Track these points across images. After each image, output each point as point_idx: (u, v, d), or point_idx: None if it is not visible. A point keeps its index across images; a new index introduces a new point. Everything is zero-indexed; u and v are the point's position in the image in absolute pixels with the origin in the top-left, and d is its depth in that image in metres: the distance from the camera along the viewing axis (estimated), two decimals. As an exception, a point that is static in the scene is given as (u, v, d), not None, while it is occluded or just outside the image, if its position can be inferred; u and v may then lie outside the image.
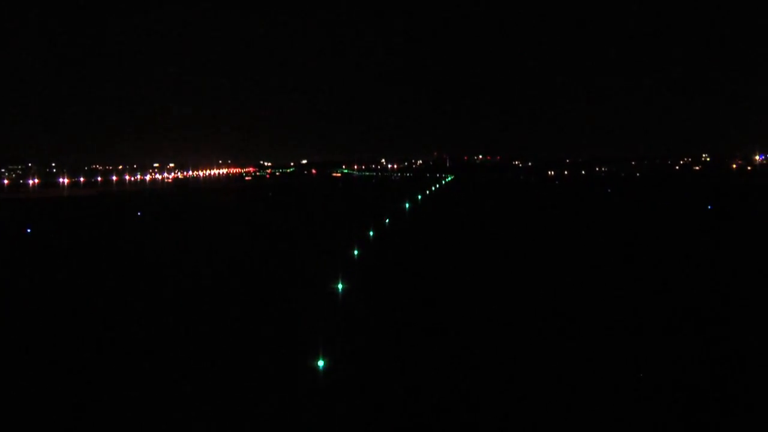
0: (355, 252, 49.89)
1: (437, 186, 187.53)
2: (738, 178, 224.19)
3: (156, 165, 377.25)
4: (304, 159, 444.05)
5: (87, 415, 19.94)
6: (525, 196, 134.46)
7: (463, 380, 22.05)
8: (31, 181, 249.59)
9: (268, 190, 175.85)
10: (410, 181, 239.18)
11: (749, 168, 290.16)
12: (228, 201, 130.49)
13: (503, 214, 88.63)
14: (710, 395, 20.49)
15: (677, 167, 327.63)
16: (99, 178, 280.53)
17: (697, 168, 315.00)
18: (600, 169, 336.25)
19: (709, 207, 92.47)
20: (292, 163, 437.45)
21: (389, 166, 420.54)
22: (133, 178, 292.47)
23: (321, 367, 23.28)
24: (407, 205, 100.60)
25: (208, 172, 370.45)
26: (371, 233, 62.23)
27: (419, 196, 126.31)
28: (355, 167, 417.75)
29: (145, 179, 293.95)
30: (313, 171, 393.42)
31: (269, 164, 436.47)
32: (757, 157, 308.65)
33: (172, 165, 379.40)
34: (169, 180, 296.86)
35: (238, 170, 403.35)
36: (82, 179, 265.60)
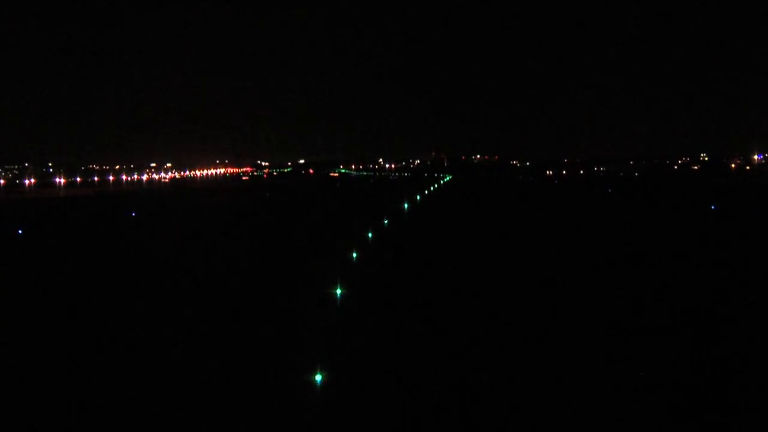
0: (354, 254, 48.63)
1: (436, 186, 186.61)
2: (738, 177, 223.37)
3: (153, 165, 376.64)
4: (301, 159, 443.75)
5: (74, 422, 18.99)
6: (525, 196, 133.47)
7: (462, 386, 21.45)
8: (27, 181, 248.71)
9: (265, 191, 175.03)
10: (408, 181, 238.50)
11: (748, 167, 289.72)
12: (224, 201, 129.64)
13: (505, 214, 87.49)
14: (710, 395, 20.45)
15: (676, 167, 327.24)
16: (96, 178, 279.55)
17: (695, 168, 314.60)
18: (598, 168, 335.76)
19: (713, 207, 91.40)
20: (289, 163, 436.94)
21: (387, 166, 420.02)
22: (129, 178, 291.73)
23: (317, 377, 22.14)
24: (406, 206, 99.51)
25: (205, 172, 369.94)
26: (370, 234, 61.02)
27: (418, 197, 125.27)
28: (353, 167, 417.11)
29: (142, 179, 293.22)
30: (311, 171, 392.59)
31: (267, 164, 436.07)
32: (755, 157, 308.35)
33: (169, 165, 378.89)
34: (166, 180, 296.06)
35: (235, 170, 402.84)
36: (78, 179, 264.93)
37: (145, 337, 27.96)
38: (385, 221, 73.85)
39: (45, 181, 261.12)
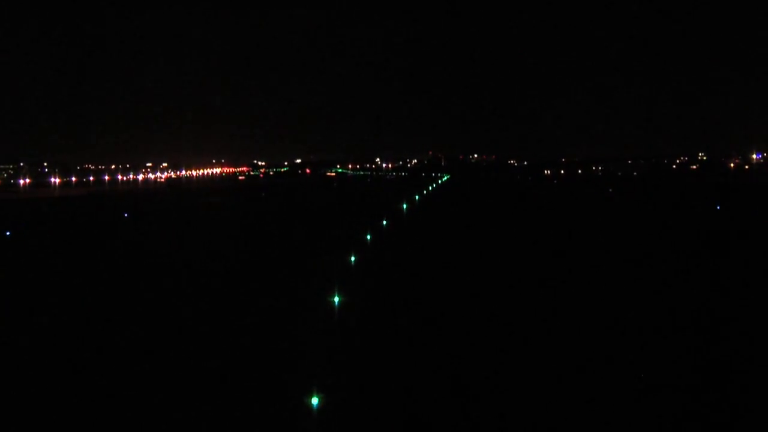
0: (352, 258, 46.82)
1: (434, 185, 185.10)
2: (738, 177, 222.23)
3: (149, 164, 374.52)
4: (298, 158, 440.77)
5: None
6: (526, 197, 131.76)
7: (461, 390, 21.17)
8: (21, 181, 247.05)
9: (261, 190, 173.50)
10: (406, 181, 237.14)
11: (747, 167, 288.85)
12: (218, 202, 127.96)
13: (507, 215, 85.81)
14: (710, 395, 20.44)
15: (674, 166, 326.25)
16: (91, 178, 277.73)
17: (693, 167, 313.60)
18: (596, 168, 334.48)
19: (718, 207, 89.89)
20: (286, 163, 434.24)
21: (384, 165, 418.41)
22: (125, 178, 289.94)
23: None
24: (404, 206, 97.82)
25: (201, 171, 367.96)
26: (368, 236, 59.27)
27: (416, 197, 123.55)
28: (350, 167, 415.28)
29: (138, 179, 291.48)
30: (308, 170, 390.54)
31: (263, 163, 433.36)
32: (754, 156, 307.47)
33: (165, 164, 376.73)
34: (162, 180, 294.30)
35: (231, 169, 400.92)
36: (74, 179, 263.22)
37: (126, 337, 26.63)
38: (384, 222, 72.16)
39: (40, 180, 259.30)
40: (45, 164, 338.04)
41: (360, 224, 67.70)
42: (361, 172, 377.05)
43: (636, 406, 19.70)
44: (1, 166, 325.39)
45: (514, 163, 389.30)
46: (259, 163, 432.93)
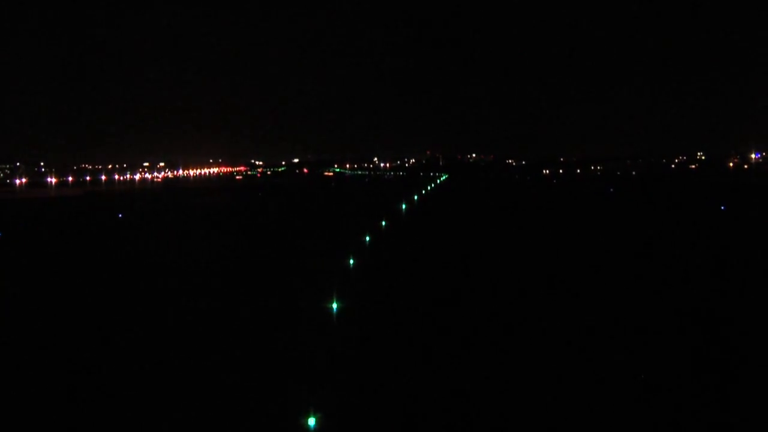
0: (351, 261, 45.38)
1: (433, 185, 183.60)
2: (738, 176, 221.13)
3: (146, 164, 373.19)
4: (295, 158, 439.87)
5: None
6: (527, 197, 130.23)
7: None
8: (18, 181, 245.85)
9: (258, 190, 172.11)
10: (404, 181, 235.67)
11: (746, 166, 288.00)
12: (214, 202, 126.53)
13: (510, 216, 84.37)
14: (711, 396, 20.29)
15: (673, 166, 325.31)
16: (88, 178, 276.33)
17: (693, 167, 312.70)
18: (595, 168, 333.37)
19: (723, 207, 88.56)
20: (283, 162, 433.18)
21: (382, 165, 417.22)
22: (122, 178, 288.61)
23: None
24: (404, 206, 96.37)
25: (198, 171, 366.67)
26: (367, 238, 57.85)
27: (415, 196, 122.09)
28: (348, 166, 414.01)
29: (135, 179, 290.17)
30: (305, 170, 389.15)
31: (260, 163, 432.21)
32: (753, 156, 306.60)
33: (162, 164, 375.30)
34: (159, 179, 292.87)
35: (229, 169, 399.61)
36: (70, 179, 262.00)
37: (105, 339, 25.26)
38: (383, 223, 70.74)
39: (36, 180, 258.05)
40: (42, 164, 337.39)
41: (359, 225, 66.39)
42: (359, 172, 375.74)
43: (636, 406, 19.55)
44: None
45: (512, 162, 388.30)
46: (257, 162, 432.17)
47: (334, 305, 31.85)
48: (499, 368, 23.17)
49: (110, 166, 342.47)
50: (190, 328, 29.38)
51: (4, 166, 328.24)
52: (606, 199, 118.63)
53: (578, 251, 50.70)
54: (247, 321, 30.27)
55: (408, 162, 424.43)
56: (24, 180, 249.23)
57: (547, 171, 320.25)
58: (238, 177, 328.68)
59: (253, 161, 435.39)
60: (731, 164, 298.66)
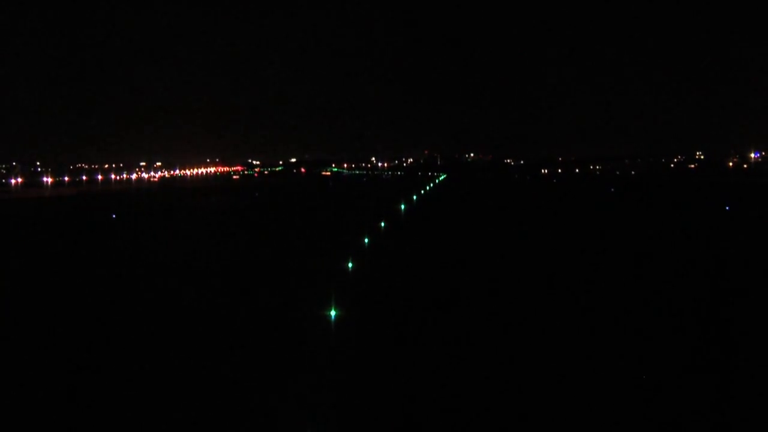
0: (349, 264, 43.67)
1: (432, 185, 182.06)
2: (738, 176, 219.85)
3: (143, 164, 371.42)
4: (293, 157, 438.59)
5: None
6: (529, 197, 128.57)
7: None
8: (13, 181, 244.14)
9: (255, 190, 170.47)
10: (402, 180, 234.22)
11: (745, 166, 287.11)
12: (210, 202, 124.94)
13: (513, 217, 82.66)
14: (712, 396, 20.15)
15: (672, 165, 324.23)
16: (84, 177, 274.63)
17: (692, 166, 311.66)
18: (594, 167, 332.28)
19: (728, 208, 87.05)
20: (281, 162, 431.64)
21: (380, 164, 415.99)
22: (118, 177, 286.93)
23: None
24: (403, 206, 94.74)
25: (195, 171, 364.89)
26: (366, 240, 56.19)
27: (414, 196, 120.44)
28: (345, 166, 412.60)
29: (131, 178, 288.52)
30: (302, 170, 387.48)
31: (258, 163, 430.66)
32: (752, 155, 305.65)
33: (158, 164, 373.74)
34: (155, 179, 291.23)
35: (226, 169, 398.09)
36: (66, 178, 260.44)
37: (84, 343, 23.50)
38: (382, 224, 69.12)
39: (32, 180, 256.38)
40: (38, 163, 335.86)
41: (357, 226, 64.95)
42: (357, 172, 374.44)
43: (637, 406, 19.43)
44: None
45: (510, 162, 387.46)
46: (254, 162, 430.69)
47: (333, 309, 30.24)
48: (498, 370, 22.72)
49: (107, 166, 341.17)
50: (174, 337, 27.62)
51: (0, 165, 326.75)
52: (609, 198, 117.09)
53: (589, 254, 49.05)
54: (240, 325, 28.58)
55: (406, 161, 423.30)
56: (20, 180, 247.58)
57: (546, 171, 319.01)
58: (235, 177, 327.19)
59: (250, 161, 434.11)
60: (731, 164, 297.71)
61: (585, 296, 34.24)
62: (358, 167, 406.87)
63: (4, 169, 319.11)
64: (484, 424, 18.72)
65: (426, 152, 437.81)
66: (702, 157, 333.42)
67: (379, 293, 35.39)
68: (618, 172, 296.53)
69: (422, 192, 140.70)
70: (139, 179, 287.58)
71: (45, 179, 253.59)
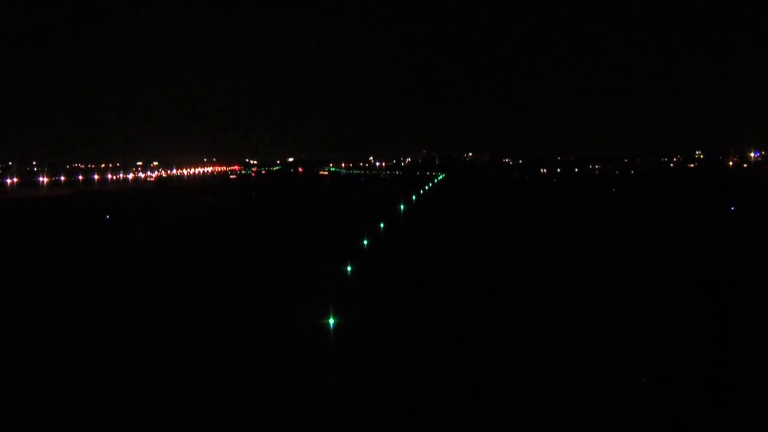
0: (348, 268, 41.82)
1: (431, 184, 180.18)
2: (739, 175, 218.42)
3: (139, 163, 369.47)
4: (290, 157, 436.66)
5: None
6: (530, 197, 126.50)
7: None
8: (9, 180, 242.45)
9: (251, 190, 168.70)
10: (401, 180, 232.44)
11: (745, 165, 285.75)
12: (207, 202, 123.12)
13: (516, 218, 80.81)
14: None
15: (672, 165, 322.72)
16: (80, 177, 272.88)
17: (692, 165, 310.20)
18: (593, 167, 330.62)
19: (732, 208, 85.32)
20: (278, 162, 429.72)
21: (377, 164, 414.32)
22: (114, 177, 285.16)
23: None
24: (402, 207, 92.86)
25: (192, 170, 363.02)
26: (365, 242, 54.38)
27: (413, 196, 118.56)
28: (343, 165, 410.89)
29: (128, 178, 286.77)
30: (300, 169, 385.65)
31: (255, 162, 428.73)
32: (752, 154, 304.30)
33: (155, 163, 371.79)
34: (152, 179, 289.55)
35: (223, 168, 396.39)
36: (62, 178, 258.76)
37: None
38: (381, 225, 67.27)
39: (28, 180, 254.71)
40: (34, 163, 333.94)
41: (355, 227, 63.33)
42: (355, 171, 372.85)
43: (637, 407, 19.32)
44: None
45: (509, 161, 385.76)
46: (251, 162, 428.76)
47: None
48: (498, 372, 22.24)
49: (103, 166, 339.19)
50: (163, 344, 25.78)
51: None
52: (613, 199, 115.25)
53: (599, 257, 47.34)
54: (234, 330, 26.75)
55: (404, 161, 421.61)
56: (15, 180, 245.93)
57: (545, 170, 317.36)
58: (232, 176, 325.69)
59: (247, 160, 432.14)
60: (731, 163, 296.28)
61: (588, 297, 32.73)
62: (355, 167, 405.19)
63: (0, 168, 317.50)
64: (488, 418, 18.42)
65: (424, 152, 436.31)
66: (701, 156, 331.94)
67: (379, 296, 33.75)
68: (617, 172, 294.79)
69: (421, 192, 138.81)
70: (136, 179, 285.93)
71: (41, 179, 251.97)
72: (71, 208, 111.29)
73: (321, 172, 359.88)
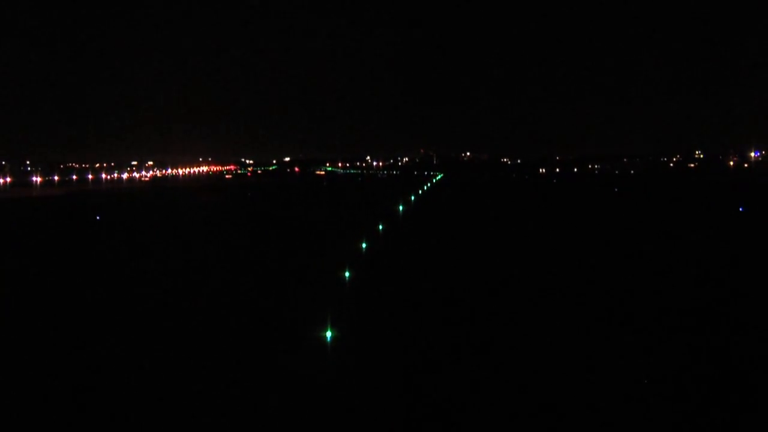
0: (346, 273, 39.25)
1: (429, 185, 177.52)
2: (740, 175, 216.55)
3: (134, 163, 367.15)
4: (286, 156, 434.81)
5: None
6: (531, 198, 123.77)
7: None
8: (1, 180, 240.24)
9: (247, 190, 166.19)
10: (398, 180, 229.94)
11: (746, 165, 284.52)
12: (202, 202, 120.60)
13: (521, 221, 78.13)
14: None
15: (671, 165, 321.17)
16: (74, 177, 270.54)
17: (692, 165, 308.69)
18: (592, 166, 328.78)
19: (741, 209, 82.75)
20: (274, 161, 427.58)
21: (374, 163, 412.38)
22: (109, 177, 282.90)
23: None
24: (401, 208, 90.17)
25: (188, 170, 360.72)
26: (364, 245, 51.81)
27: (412, 197, 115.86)
28: (340, 165, 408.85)
29: (122, 178, 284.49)
30: (296, 169, 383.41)
31: (251, 162, 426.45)
32: (752, 154, 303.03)
33: (150, 163, 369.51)
34: (147, 179, 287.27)
35: (219, 168, 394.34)
36: (56, 178, 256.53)
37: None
38: (380, 226, 64.61)
39: (21, 179, 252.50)
40: (27, 162, 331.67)
41: (354, 228, 61.11)
42: (352, 171, 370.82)
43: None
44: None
45: (507, 161, 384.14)
46: (247, 161, 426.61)
47: (329, 333, 25.83)
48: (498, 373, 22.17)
49: (98, 165, 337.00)
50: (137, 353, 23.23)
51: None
52: (618, 200, 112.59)
53: (611, 262, 44.83)
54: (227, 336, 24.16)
55: (401, 161, 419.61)
56: (8, 179, 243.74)
57: (543, 170, 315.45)
58: (228, 176, 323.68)
59: (243, 160, 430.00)
60: (731, 163, 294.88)
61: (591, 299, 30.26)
62: (352, 166, 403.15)
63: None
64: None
65: (422, 151, 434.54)
66: (701, 156, 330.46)
67: (378, 301, 31.29)
68: (617, 172, 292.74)
69: (420, 192, 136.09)
70: (130, 179, 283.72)
71: (34, 178, 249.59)
72: (63, 208, 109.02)
73: (317, 172, 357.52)
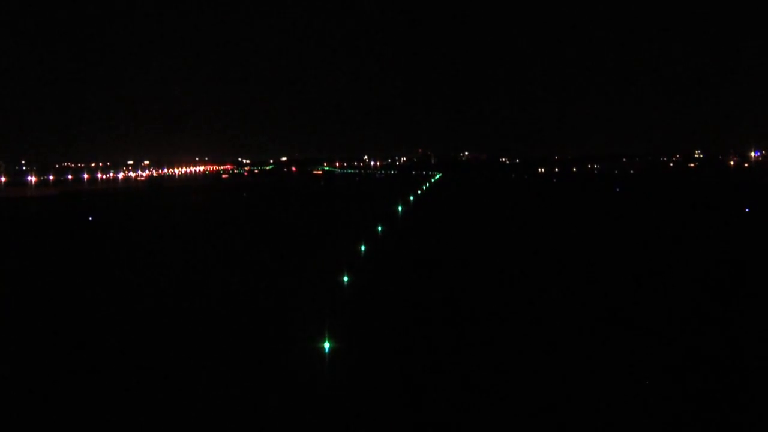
0: (345, 278, 37.31)
1: (428, 184, 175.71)
2: (740, 175, 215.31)
3: (130, 162, 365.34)
4: (283, 156, 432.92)
5: None
6: (532, 198, 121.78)
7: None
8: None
9: (243, 190, 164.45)
10: (396, 180, 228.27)
11: (746, 165, 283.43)
12: (196, 203, 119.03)
13: (524, 223, 76.17)
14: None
15: (671, 164, 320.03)
16: (69, 177, 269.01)
17: (692, 165, 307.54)
18: (591, 166, 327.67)
19: (747, 210, 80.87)
20: (271, 161, 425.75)
21: (372, 163, 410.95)
22: (104, 177, 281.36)
23: None
24: (400, 208, 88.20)
25: (184, 169, 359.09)
26: (362, 247, 49.86)
27: (411, 197, 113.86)
28: (337, 164, 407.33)
29: (118, 177, 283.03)
30: (293, 169, 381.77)
31: (248, 161, 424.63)
32: (752, 154, 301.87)
33: (146, 162, 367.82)
34: (142, 178, 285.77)
35: (215, 168, 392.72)
36: (51, 177, 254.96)
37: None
38: (379, 227, 62.63)
39: (15, 179, 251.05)
40: (23, 162, 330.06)
41: (353, 229, 59.52)
42: (349, 171, 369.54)
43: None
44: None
45: (505, 161, 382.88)
46: (244, 161, 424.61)
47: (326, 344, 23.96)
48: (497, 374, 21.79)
49: (93, 165, 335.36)
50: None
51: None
52: (621, 200, 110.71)
53: (624, 267, 43.03)
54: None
55: (399, 160, 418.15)
56: (3, 179, 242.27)
57: (542, 170, 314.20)
58: (224, 176, 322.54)
59: (240, 159, 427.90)
60: (731, 162, 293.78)
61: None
62: (350, 166, 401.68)
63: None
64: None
65: (420, 151, 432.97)
66: (701, 156, 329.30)
67: (378, 301, 29.52)
68: (616, 171, 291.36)
69: (419, 192, 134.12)
70: (126, 178, 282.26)
71: (29, 178, 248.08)
72: (55, 209, 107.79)
73: (315, 172, 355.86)
